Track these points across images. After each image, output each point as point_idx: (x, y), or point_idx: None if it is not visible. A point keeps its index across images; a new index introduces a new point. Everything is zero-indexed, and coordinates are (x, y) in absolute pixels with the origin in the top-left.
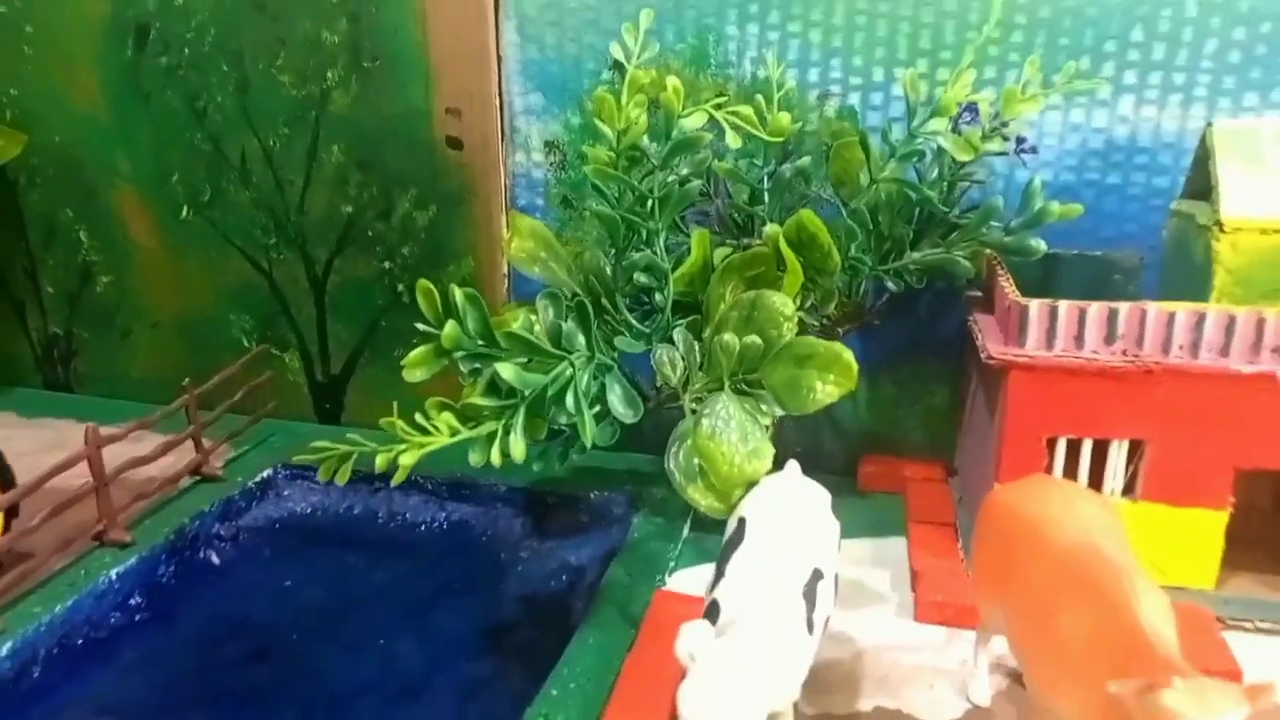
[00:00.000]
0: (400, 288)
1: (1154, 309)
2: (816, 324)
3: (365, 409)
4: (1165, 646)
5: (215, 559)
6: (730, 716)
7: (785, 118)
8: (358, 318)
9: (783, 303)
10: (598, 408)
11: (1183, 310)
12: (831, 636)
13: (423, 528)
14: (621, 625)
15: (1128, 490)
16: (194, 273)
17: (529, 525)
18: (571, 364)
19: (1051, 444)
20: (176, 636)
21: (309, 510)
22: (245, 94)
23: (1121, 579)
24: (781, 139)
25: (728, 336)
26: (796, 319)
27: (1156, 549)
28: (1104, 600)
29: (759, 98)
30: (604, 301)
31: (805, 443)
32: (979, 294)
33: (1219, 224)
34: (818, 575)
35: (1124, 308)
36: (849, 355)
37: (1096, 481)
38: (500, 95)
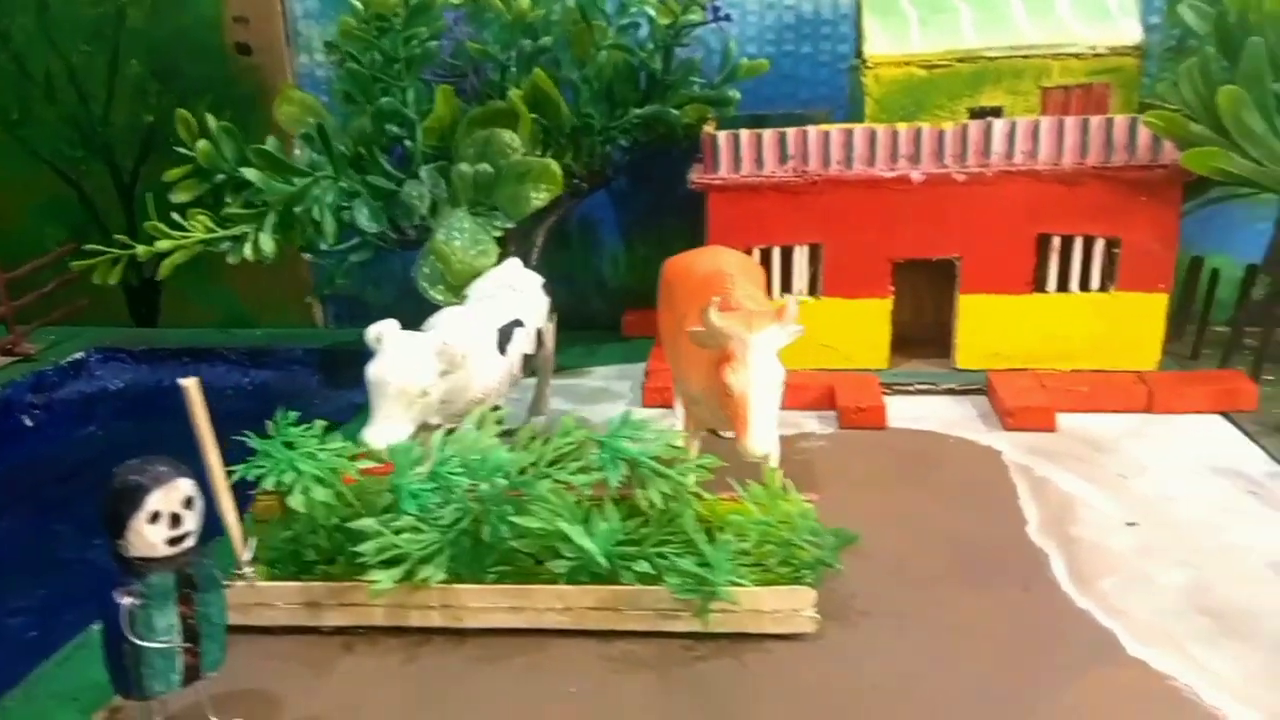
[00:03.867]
0: None
1: (814, 130)
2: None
3: (180, 312)
4: (746, 306)
5: (29, 421)
6: (397, 374)
7: (525, 2)
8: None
9: (511, 138)
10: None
11: (835, 129)
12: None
13: (229, 391)
14: None
15: (813, 290)
16: (5, 191)
17: (323, 379)
18: (317, 181)
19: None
20: None
21: (121, 386)
22: (45, 13)
23: (725, 281)
24: (523, 19)
25: (464, 166)
26: (522, 153)
27: (839, 338)
28: (711, 295)
29: None
30: (361, 150)
31: (576, 303)
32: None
33: (864, 62)
34: (517, 323)
35: (790, 131)
36: (555, 166)
37: (787, 286)
38: (282, 1)
